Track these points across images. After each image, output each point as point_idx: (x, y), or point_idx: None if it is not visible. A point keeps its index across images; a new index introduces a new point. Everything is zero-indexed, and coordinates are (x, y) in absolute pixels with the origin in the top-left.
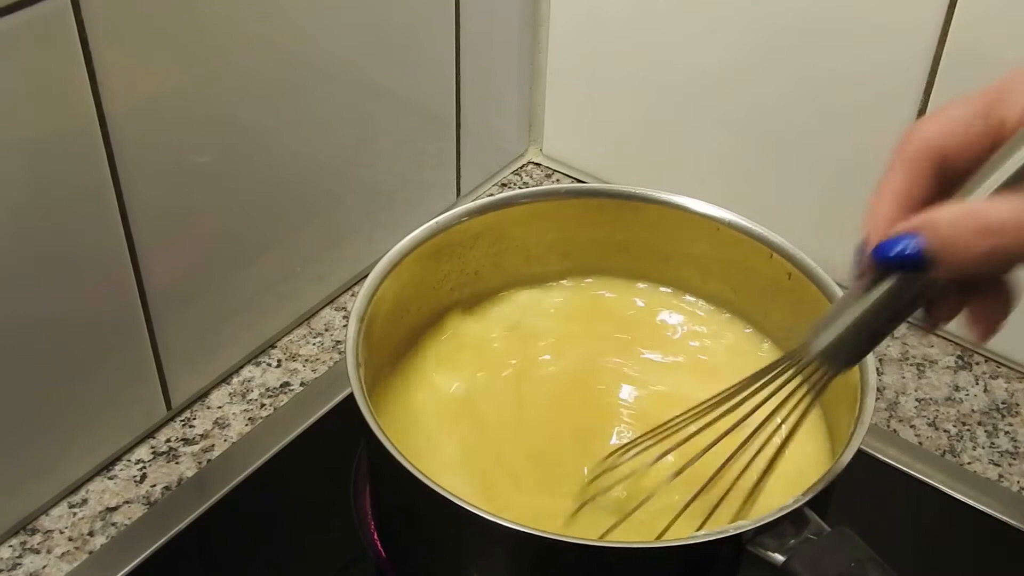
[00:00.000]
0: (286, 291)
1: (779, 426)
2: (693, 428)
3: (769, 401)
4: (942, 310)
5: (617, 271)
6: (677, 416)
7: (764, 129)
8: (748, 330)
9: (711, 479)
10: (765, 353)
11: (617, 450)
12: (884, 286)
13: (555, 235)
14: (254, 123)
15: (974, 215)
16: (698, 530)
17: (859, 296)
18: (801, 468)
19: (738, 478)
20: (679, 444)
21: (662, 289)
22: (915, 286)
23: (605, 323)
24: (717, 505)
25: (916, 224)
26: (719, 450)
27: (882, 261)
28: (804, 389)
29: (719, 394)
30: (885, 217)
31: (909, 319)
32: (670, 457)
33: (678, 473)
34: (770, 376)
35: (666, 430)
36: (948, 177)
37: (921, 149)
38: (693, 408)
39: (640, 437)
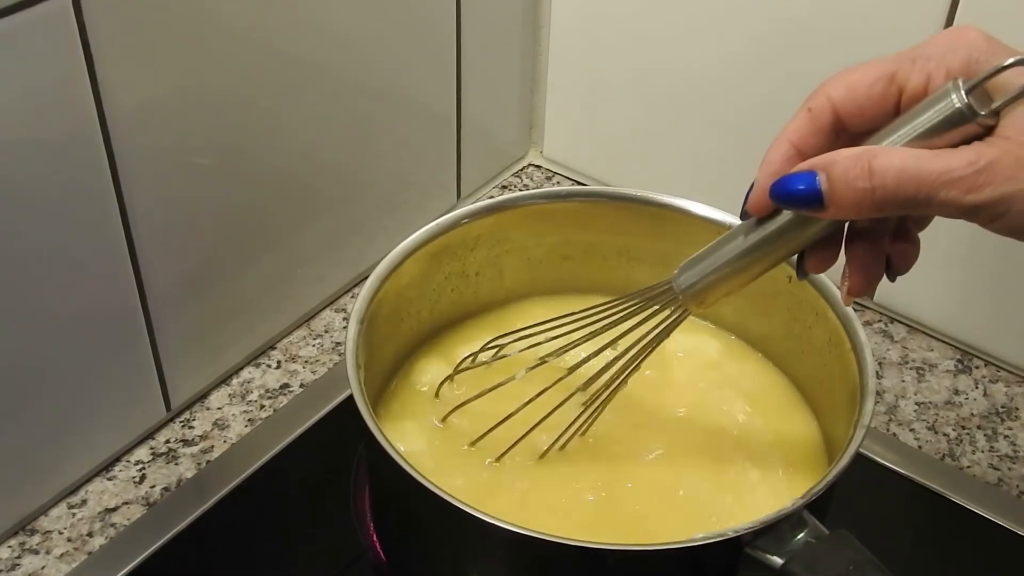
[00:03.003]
0: (286, 292)
1: (633, 355)
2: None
3: (633, 327)
4: (815, 260)
5: (617, 275)
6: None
7: (764, 131)
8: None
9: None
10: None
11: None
12: (768, 226)
13: (555, 237)
14: (254, 125)
15: (868, 156)
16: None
17: (737, 236)
18: (800, 471)
19: (591, 404)
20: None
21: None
22: (799, 229)
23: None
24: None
25: (815, 162)
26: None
27: (780, 196)
28: (664, 321)
29: (593, 309)
30: (779, 159)
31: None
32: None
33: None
34: (637, 302)
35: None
36: (845, 131)
37: (824, 102)
38: (568, 319)
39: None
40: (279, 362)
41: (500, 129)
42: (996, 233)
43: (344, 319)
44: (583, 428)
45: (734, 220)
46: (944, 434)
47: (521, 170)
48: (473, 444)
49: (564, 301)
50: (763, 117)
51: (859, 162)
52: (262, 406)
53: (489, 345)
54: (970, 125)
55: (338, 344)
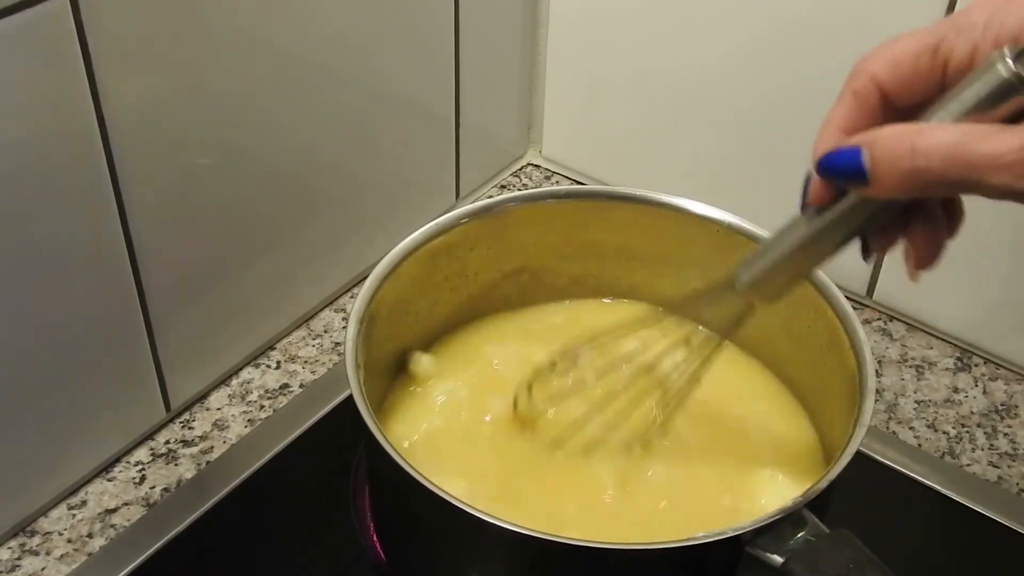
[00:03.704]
0: (285, 292)
1: (704, 355)
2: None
3: (695, 333)
4: (878, 241)
5: (616, 278)
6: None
7: (763, 131)
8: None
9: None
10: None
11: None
12: (827, 214)
13: (554, 237)
14: (253, 124)
15: (912, 134)
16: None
17: (796, 227)
18: (800, 470)
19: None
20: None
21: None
22: (857, 213)
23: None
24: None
25: (859, 139)
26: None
27: (825, 170)
28: (730, 317)
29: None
30: (828, 144)
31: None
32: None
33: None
34: (696, 306)
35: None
36: (895, 108)
37: (867, 81)
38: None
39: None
40: (279, 362)
41: (499, 129)
42: None
43: (343, 319)
44: (660, 423)
45: (733, 219)
46: (944, 432)
47: (520, 170)
48: (558, 446)
49: (564, 300)
50: (763, 116)
51: (903, 140)
52: (262, 406)
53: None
54: (1022, 97)
55: (337, 344)
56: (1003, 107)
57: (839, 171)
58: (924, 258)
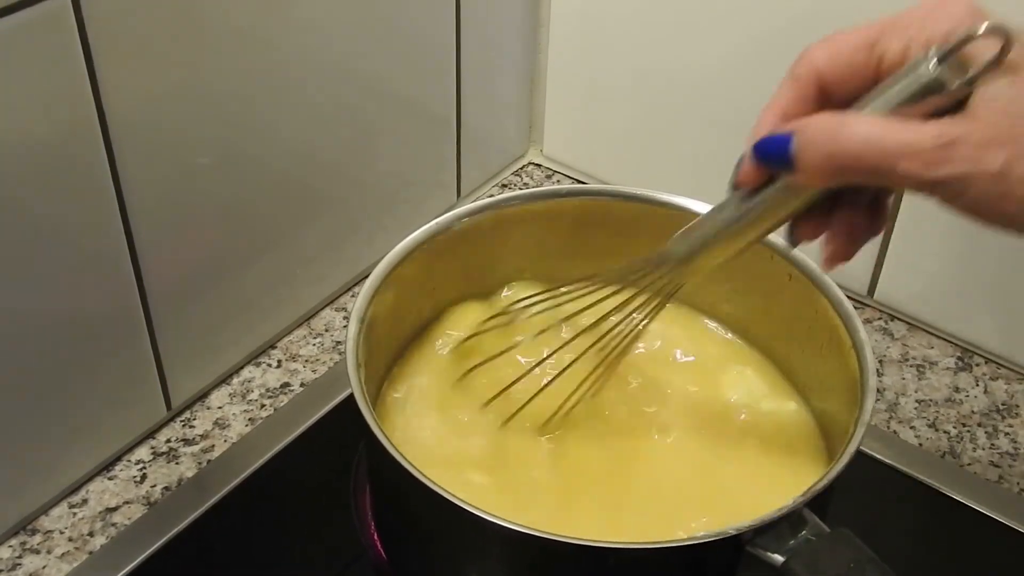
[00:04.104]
0: (286, 292)
1: (632, 325)
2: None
3: (629, 299)
4: (805, 228)
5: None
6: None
7: None
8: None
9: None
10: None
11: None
12: (756, 197)
13: (555, 236)
14: (254, 123)
15: (837, 121)
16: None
17: (727, 207)
18: (800, 469)
19: (592, 373)
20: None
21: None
22: (785, 199)
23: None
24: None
25: (794, 124)
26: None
27: (759, 153)
28: (658, 294)
29: (589, 282)
30: (767, 127)
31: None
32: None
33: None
34: (633, 275)
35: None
36: (830, 99)
37: (808, 70)
38: (565, 291)
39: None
40: (279, 361)
41: (500, 128)
42: (955, 212)
43: (344, 318)
44: (588, 392)
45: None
46: (945, 431)
47: (521, 169)
48: (486, 405)
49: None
50: None
51: (828, 126)
52: (263, 405)
53: (496, 314)
54: (942, 96)
55: (338, 343)
56: (925, 104)
57: (770, 155)
58: (839, 252)
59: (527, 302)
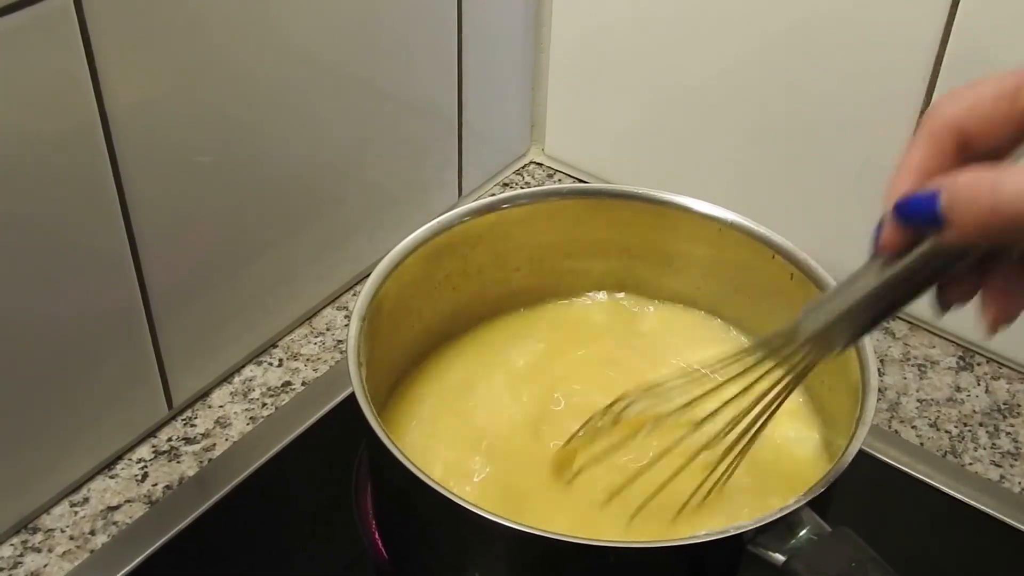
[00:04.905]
0: (288, 290)
1: (763, 407)
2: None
3: (755, 382)
4: (955, 291)
5: (618, 275)
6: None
7: (766, 130)
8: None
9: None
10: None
11: (598, 416)
12: (898, 262)
13: (557, 235)
14: (256, 123)
15: (995, 174)
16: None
17: (866, 275)
18: (801, 469)
19: (722, 461)
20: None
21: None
22: (931, 262)
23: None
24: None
25: (939, 182)
26: (701, 430)
27: (901, 214)
28: (791, 372)
29: (707, 369)
30: (905, 186)
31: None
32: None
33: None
34: (756, 356)
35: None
36: (970, 156)
37: (944, 126)
38: (676, 380)
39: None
40: (281, 360)
41: (502, 127)
42: None
43: (346, 317)
44: (719, 484)
45: (736, 217)
46: (946, 431)
47: (523, 168)
48: (604, 505)
49: (564, 299)
50: (766, 114)
51: (983, 179)
52: (264, 404)
53: (611, 406)
54: None
55: (340, 342)
56: None
57: (916, 215)
58: (1002, 314)
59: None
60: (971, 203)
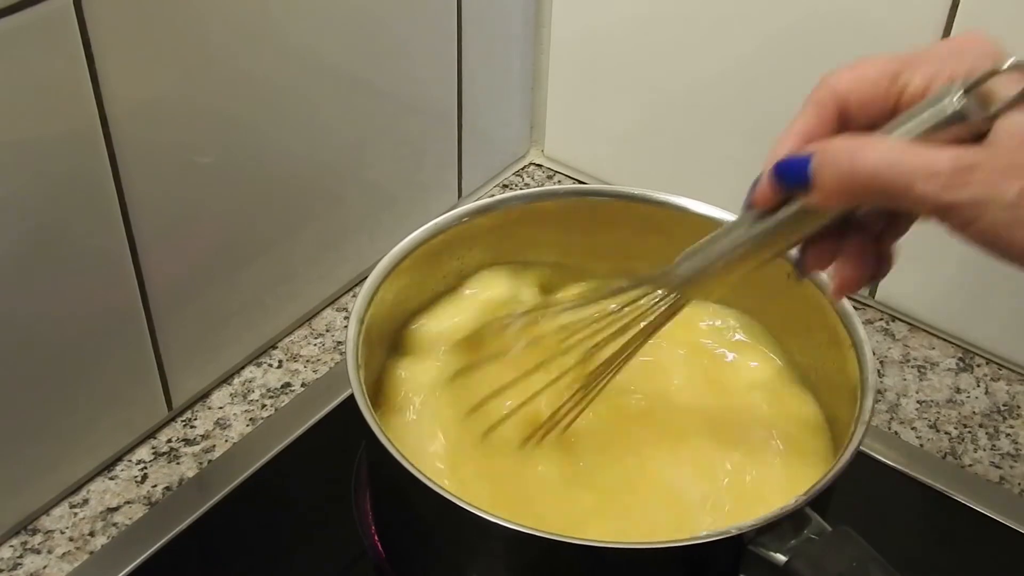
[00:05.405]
0: (287, 291)
1: (634, 340)
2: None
3: (633, 317)
4: (814, 256)
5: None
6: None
7: (765, 130)
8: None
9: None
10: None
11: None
12: (769, 219)
13: (556, 236)
14: (255, 124)
15: (858, 142)
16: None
17: (738, 227)
18: (802, 468)
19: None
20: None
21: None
22: (798, 221)
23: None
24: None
25: (812, 147)
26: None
27: (778, 174)
28: (661, 311)
29: (590, 296)
30: (787, 149)
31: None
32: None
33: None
34: (639, 291)
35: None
36: (850, 125)
37: (829, 95)
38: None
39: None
40: (280, 361)
41: (501, 128)
42: (966, 241)
43: (345, 318)
44: (578, 411)
45: (733, 218)
46: (946, 432)
47: (522, 169)
48: (470, 413)
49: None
50: (764, 115)
51: (847, 146)
52: (263, 405)
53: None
54: (964, 127)
55: (339, 343)
56: (947, 134)
57: (789, 175)
58: (848, 281)
59: (525, 311)
60: (833, 167)
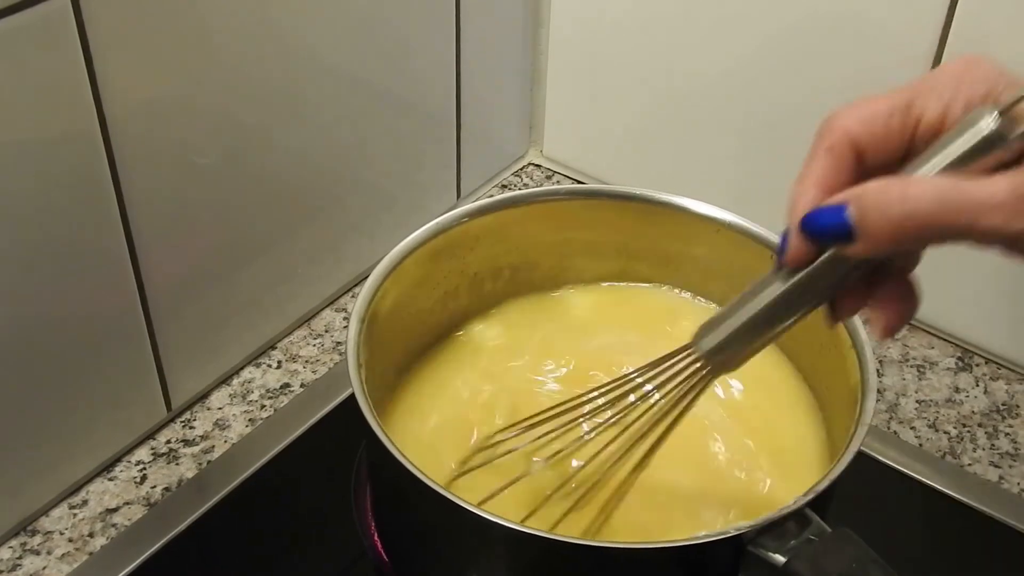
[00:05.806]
0: (286, 292)
1: (663, 418)
2: (579, 413)
3: (656, 395)
4: (849, 301)
5: (617, 276)
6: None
7: (764, 131)
8: None
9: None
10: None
11: (513, 425)
12: (796, 275)
13: (555, 236)
14: (255, 124)
15: (901, 182)
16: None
17: (763, 289)
18: (801, 469)
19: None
20: (564, 429)
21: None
22: (830, 274)
23: (612, 328)
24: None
25: (844, 196)
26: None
27: (809, 229)
28: (690, 385)
29: (610, 383)
30: (808, 201)
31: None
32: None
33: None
34: (659, 370)
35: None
36: (866, 167)
37: (842, 139)
38: (582, 394)
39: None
40: (280, 362)
41: (500, 128)
42: None
43: (345, 319)
44: (609, 508)
45: (734, 218)
46: (945, 432)
47: (521, 169)
48: (481, 504)
49: (564, 299)
50: (764, 115)
51: (892, 189)
52: (263, 406)
53: (497, 439)
54: (1002, 151)
55: (339, 344)
56: (985, 160)
57: (824, 229)
58: (893, 322)
59: (535, 420)
60: (882, 214)
